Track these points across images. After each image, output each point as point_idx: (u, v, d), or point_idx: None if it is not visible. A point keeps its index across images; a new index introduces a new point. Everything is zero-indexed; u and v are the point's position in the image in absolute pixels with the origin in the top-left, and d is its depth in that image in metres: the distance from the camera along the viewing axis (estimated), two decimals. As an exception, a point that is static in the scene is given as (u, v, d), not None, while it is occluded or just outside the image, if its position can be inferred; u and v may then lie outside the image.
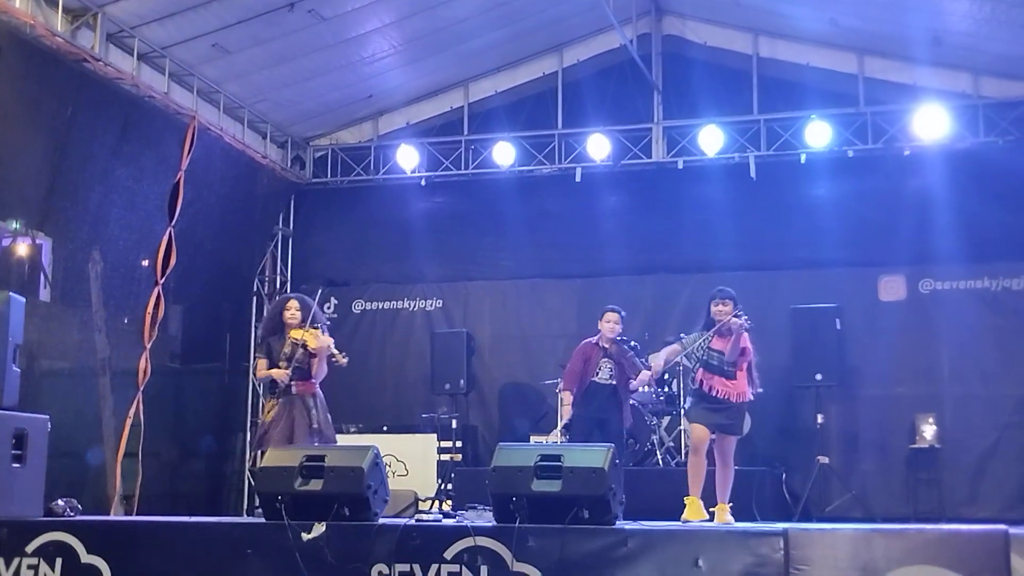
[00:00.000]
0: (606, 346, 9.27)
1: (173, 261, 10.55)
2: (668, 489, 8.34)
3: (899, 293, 11.54)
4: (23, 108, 9.15)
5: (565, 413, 9.31)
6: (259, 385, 10.53)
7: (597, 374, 9.25)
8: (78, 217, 9.83)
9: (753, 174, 11.85)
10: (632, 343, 9.71)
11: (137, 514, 9.78)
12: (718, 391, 7.95)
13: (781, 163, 11.98)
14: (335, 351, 8.11)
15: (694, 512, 7.81)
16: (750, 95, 12.25)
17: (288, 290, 13.09)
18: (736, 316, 7.91)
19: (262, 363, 8.27)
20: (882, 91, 11.93)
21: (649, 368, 8.98)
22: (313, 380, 8.19)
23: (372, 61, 11.92)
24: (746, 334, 7.95)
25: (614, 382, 9.20)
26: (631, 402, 10.57)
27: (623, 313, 9.39)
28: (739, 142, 12.08)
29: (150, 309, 10.33)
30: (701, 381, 8.02)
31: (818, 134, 11.70)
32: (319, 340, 8.07)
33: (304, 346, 8.11)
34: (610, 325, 9.27)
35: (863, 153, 11.81)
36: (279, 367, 8.12)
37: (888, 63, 11.90)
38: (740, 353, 7.97)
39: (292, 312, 8.25)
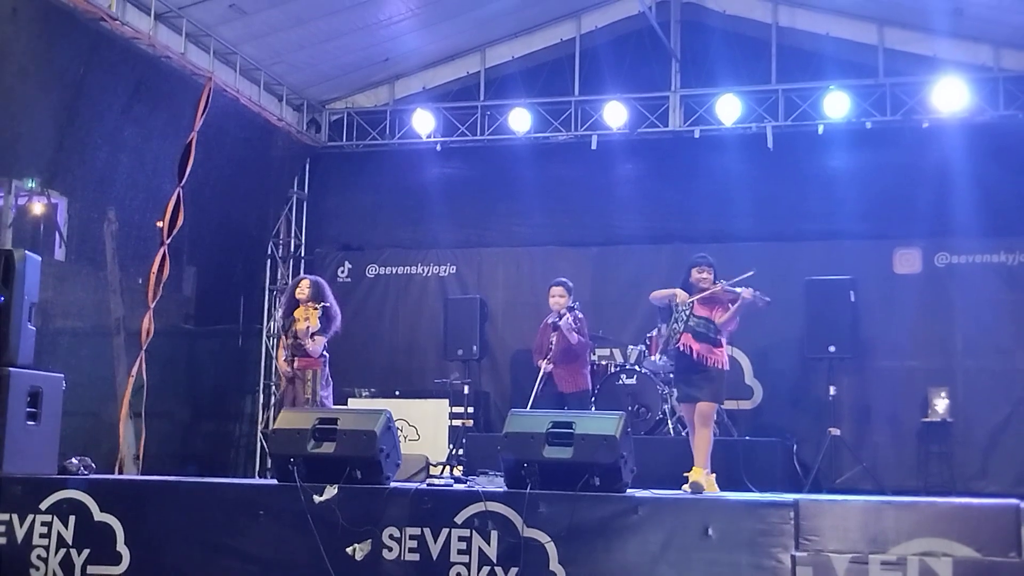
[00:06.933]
0: (556, 321, 9.40)
1: (180, 221, 10.53)
2: (679, 459, 8.32)
3: (914, 266, 11.47)
4: (36, 66, 9.11)
5: None
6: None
7: (550, 352, 9.42)
8: (92, 177, 9.82)
9: (770, 144, 11.74)
10: (574, 307, 9.65)
11: (144, 473, 9.83)
12: (704, 357, 7.92)
13: (798, 133, 11.87)
14: (311, 334, 8.62)
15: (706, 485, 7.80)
16: (768, 64, 12.13)
17: (303, 253, 13.25)
18: (743, 286, 7.92)
19: (283, 342, 8.93)
20: (902, 62, 11.81)
21: (578, 318, 9.32)
22: (313, 356, 8.69)
23: (389, 24, 11.83)
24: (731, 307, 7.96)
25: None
26: (643, 371, 10.62)
27: (570, 285, 9.55)
28: (756, 112, 11.97)
29: (155, 269, 10.33)
30: (686, 346, 8.00)
31: (836, 105, 11.59)
32: (304, 323, 8.62)
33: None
34: (553, 299, 9.57)
35: (881, 125, 11.69)
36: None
37: (908, 34, 11.77)
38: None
39: (302, 288, 8.92)
